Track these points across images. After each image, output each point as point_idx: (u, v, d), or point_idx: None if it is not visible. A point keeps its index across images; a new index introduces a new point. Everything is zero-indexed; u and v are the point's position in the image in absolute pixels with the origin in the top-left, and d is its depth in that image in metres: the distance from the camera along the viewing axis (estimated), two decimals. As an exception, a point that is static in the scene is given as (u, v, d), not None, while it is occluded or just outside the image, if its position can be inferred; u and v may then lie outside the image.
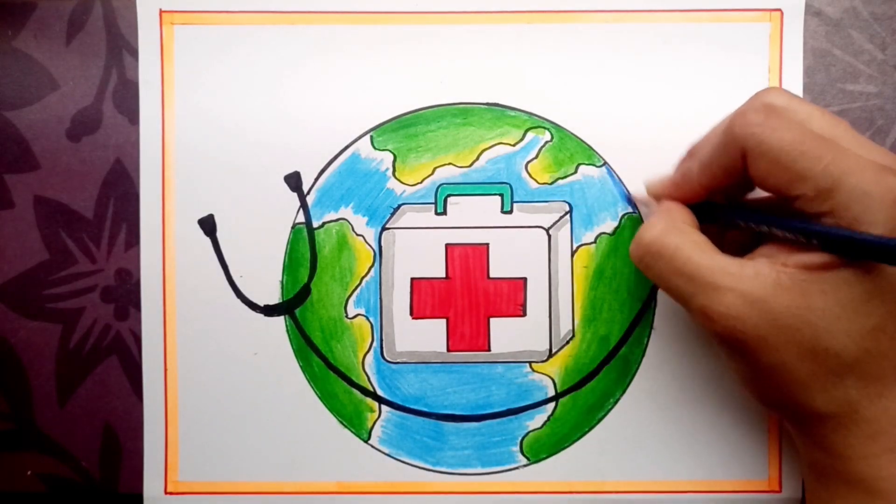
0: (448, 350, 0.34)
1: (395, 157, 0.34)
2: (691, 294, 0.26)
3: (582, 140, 0.34)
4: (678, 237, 0.27)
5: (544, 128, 0.34)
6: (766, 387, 0.27)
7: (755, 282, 0.25)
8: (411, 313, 0.34)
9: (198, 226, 0.34)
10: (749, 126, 0.25)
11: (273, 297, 0.34)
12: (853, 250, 0.24)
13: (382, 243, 0.34)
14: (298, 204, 0.34)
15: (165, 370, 0.34)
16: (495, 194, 0.34)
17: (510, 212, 0.34)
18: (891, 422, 0.26)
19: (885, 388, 0.25)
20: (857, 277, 0.24)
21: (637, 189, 0.33)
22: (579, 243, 0.34)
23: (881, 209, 0.23)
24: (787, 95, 0.26)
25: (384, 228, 0.34)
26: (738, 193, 0.30)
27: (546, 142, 0.34)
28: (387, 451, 0.34)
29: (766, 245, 0.27)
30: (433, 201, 0.34)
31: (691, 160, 0.29)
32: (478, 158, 0.34)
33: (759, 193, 0.29)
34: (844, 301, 0.24)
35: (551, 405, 0.34)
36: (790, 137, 0.24)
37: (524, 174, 0.34)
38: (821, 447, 0.27)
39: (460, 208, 0.34)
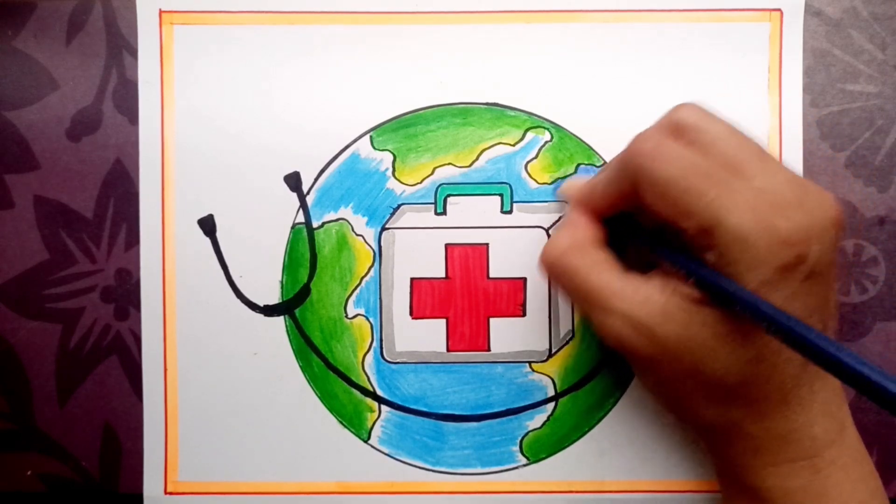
0: (448, 350, 0.34)
1: (394, 157, 0.34)
2: (588, 312, 0.27)
3: (582, 140, 0.34)
4: (578, 258, 0.27)
5: (544, 128, 0.34)
6: (663, 396, 0.28)
7: (643, 308, 0.25)
8: (411, 313, 0.34)
9: (198, 226, 0.34)
10: (639, 156, 0.25)
11: (273, 297, 0.34)
12: (719, 296, 0.24)
13: (382, 243, 0.34)
14: (298, 204, 0.34)
15: (165, 370, 0.34)
16: (495, 194, 0.34)
17: (510, 212, 0.34)
18: (772, 440, 0.26)
19: (767, 410, 0.26)
20: (734, 313, 0.24)
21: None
22: (579, 243, 0.34)
23: (757, 253, 0.23)
24: (700, 114, 0.26)
25: (384, 228, 0.34)
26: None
27: (546, 142, 0.34)
28: (387, 451, 0.34)
29: (666, 267, 0.27)
30: (433, 201, 0.34)
31: (602, 173, 0.28)
32: (477, 158, 0.34)
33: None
34: (722, 334, 0.25)
35: (551, 405, 0.34)
36: (675, 171, 0.24)
37: (524, 174, 0.34)
38: (715, 454, 0.29)
39: (460, 208, 0.34)
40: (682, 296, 0.25)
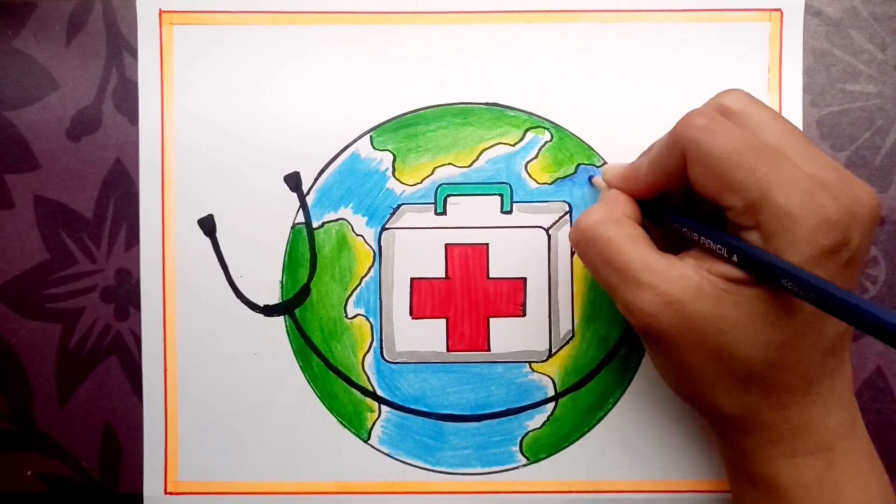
0: (448, 350, 0.34)
1: (394, 157, 0.34)
2: (616, 286, 0.27)
3: (581, 140, 0.34)
4: (613, 228, 0.27)
5: (544, 128, 0.34)
6: (679, 381, 0.28)
7: (677, 283, 0.25)
8: (411, 313, 0.34)
9: (198, 226, 0.34)
10: (691, 129, 0.25)
11: (273, 297, 0.34)
12: (763, 272, 0.24)
13: (382, 243, 0.34)
14: (298, 204, 0.34)
15: (165, 370, 0.34)
16: (495, 194, 0.34)
17: (510, 212, 0.34)
18: (791, 430, 0.26)
19: (787, 399, 0.26)
20: (770, 295, 0.25)
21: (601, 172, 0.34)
22: (579, 243, 0.34)
23: (803, 231, 0.23)
24: (747, 99, 0.26)
25: (384, 228, 0.34)
26: (689, 196, 0.30)
27: (546, 142, 0.34)
28: (387, 451, 0.34)
29: (698, 249, 0.27)
30: (433, 201, 0.34)
31: (644, 156, 0.28)
32: (477, 158, 0.34)
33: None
34: (755, 315, 0.25)
35: (551, 405, 0.34)
36: (728, 145, 0.24)
37: (524, 174, 0.34)
38: (728, 444, 0.28)
39: (460, 208, 0.34)
40: (717, 274, 0.25)
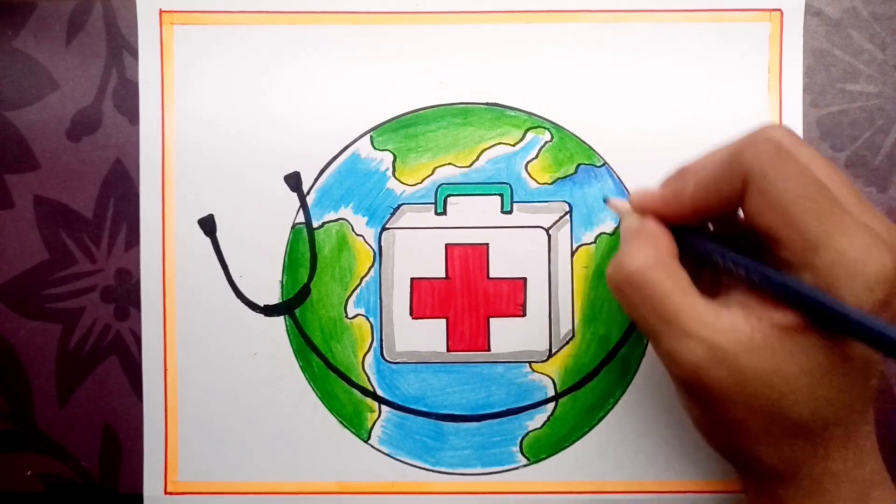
0: (448, 350, 0.34)
1: (394, 157, 0.34)
2: (661, 334, 0.25)
3: (582, 140, 0.34)
4: (662, 273, 0.26)
5: (544, 128, 0.34)
6: (719, 434, 0.27)
7: (729, 336, 0.24)
8: (411, 313, 0.34)
9: (198, 226, 0.34)
10: (758, 157, 0.24)
11: (273, 297, 0.34)
12: (827, 319, 0.23)
13: (382, 243, 0.34)
14: (298, 204, 0.34)
15: (165, 370, 0.34)
16: (495, 194, 0.34)
17: (510, 212, 0.34)
18: (832, 482, 0.25)
19: (830, 451, 0.25)
20: (823, 345, 0.24)
21: (621, 198, 0.33)
22: (579, 243, 0.34)
23: (861, 281, 0.23)
24: (792, 137, 0.25)
25: (384, 228, 0.34)
26: (722, 226, 0.29)
27: (546, 142, 0.34)
28: (387, 451, 0.34)
29: (740, 291, 0.26)
30: (433, 201, 0.34)
31: (684, 179, 0.27)
32: (478, 158, 0.34)
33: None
34: (809, 368, 0.24)
35: (551, 405, 0.34)
36: (795, 180, 0.24)
37: (524, 174, 0.34)
38: (764, 497, 0.27)
39: (460, 208, 0.34)
40: (770, 324, 0.24)
